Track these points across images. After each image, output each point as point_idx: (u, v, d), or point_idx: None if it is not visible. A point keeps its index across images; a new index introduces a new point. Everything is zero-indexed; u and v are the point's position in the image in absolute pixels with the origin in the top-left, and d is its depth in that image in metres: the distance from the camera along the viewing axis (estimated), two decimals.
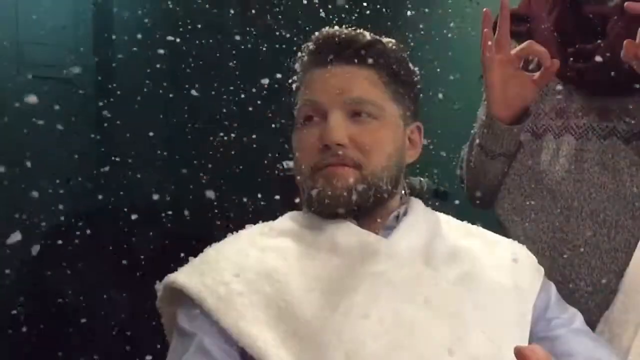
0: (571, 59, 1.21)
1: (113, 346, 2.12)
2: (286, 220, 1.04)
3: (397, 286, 0.92)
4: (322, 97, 0.98)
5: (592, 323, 1.09)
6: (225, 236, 1.03)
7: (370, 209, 0.99)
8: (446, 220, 1.07)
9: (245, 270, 0.94)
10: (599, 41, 1.18)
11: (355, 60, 0.99)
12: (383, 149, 0.98)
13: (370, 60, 0.99)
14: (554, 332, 0.99)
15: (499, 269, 1.00)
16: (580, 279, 1.14)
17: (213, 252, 0.99)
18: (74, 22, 2.40)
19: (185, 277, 0.94)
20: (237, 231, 1.04)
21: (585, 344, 0.98)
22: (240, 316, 0.89)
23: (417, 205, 1.05)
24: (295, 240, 0.99)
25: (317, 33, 1.03)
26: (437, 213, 1.08)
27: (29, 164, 2.19)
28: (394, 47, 1.03)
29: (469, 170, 1.30)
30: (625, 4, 1.07)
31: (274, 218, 1.06)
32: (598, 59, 1.16)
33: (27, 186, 2.14)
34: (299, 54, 1.05)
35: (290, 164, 1.07)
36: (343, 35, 1.00)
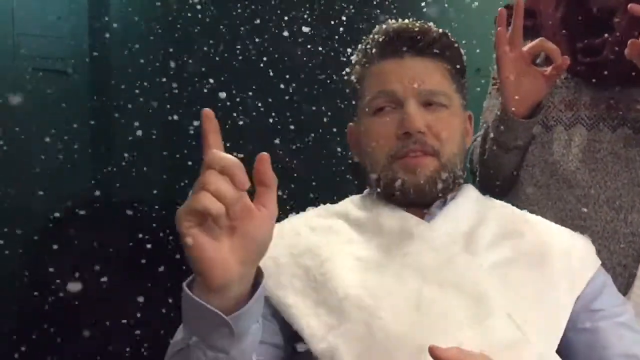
0: (580, 54, 1.26)
1: (114, 343, 2.12)
2: (344, 203, 1.11)
3: (426, 268, 0.97)
4: (398, 88, 1.02)
5: None
6: None
7: (445, 194, 1.04)
8: (502, 207, 1.10)
9: (293, 246, 1.02)
10: (606, 35, 1.23)
11: (428, 53, 1.04)
12: (455, 137, 1.04)
13: (440, 53, 1.04)
14: (596, 324, 1.01)
15: (548, 257, 1.02)
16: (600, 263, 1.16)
17: None
18: (70, 13, 2.38)
19: None
20: None
21: (624, 338, 1.00)
22: (280, 285, 0.98)
23: (467, 191, 1.08)
24: (345, 221, 1.06)
25: (383, 26, 1.07)
26: (493, 200, 1.12)
27: (24, 155, 2.18)
28: (454, 39, 1.08)
29: (483, 163, 1.33)
30: (629, 6, 1.10)
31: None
32: (607, 53, 1.22)
33: (22, 177, 2.14)
34: (360, 46, 1.08)
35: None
36: (416, 28, 1.04)
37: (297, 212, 1.12)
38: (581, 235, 1.10)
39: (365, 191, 1.12)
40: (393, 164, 1.02)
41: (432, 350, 0.80)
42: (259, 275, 0.80)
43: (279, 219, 1.07)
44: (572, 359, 0.99)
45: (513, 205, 1.28)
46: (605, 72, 1.24)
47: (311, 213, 1.10)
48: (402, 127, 1.01)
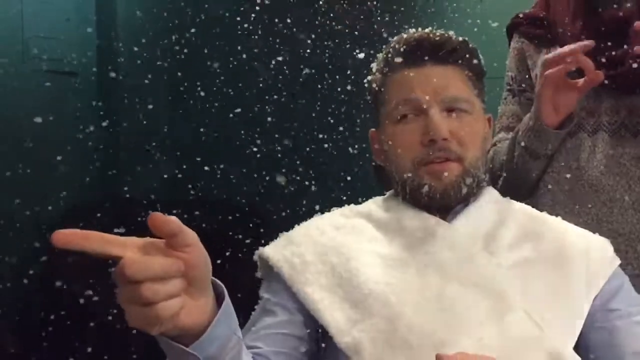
0: (603, 67, 1.29)
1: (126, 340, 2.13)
2: (367, 204, 1.15)
3: (447, 266, 1.01)
4: (420, 96, 1.05)
5: None
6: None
7: (469, 197, 1.08)
8: (522, 209, 1.14)
9: (318, 244, 1.06)
10: (625, 47, 1.28)
11: (449, 60, 1.06)
12: (477, 141, 1.07)
13: (461, 60, 1.07)
14: (612, 323, 1.03)
15: (567, 258, 1.05)
16: (627, 263, 1.24)
17: (298, 229, 1.11)
18: (78, 15, 2.40)
19: (271, 249, 1.07)
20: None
21: (638, 336, 1.02)
22: (307, 282, 1.02)
23: (488, 193, 1.12)
24: (368, 221, 1.10)
25: (404, 35, 1.09)
26: (513, 202, 1.15)
27: (33, 156, 2.20)
28: (473, 46, 1.11)
29: (510, 169, 1.39)
30: (636, 23, 1.14)
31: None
32: (629, 65, 1.27)
33: (30, 178, 2.16)
34: (381, 55, 1.12)
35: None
36: (437, 38, 1.07)
37: (322, 212, 1.15)
38: (599, 237, 1.12)
39: (388, 193, 1.15)
40: (419, 170, 1.05)
41: (438, 358, 0.83)
42: (219, 292, 0.81)
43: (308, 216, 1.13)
44: (589, 356, 1.01)
45: (539, 209, 1.33)
46: (627, 82, 1.29)
47: (336, 213, 1.13)
48: (426, 134, 1.04)
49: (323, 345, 1.03)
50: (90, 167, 2.45)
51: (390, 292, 0.99)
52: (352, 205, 1.15)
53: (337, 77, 2.25)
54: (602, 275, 1.06)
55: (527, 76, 1.47)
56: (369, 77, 1.13)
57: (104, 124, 2.51)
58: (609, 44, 1.30)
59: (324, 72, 2.34)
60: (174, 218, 0.71)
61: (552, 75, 1.26)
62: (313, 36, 2.25)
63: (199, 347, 0.77)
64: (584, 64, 1.24)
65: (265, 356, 0.97)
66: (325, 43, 2.28)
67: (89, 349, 2.03)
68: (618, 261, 1.09)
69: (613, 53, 1.30)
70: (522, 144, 1.34)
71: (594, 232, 1.22)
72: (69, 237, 0.67)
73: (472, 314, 0.97)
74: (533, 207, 1.35)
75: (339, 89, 2.08)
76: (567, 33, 1.36)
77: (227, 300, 0.81)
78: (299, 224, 1.12)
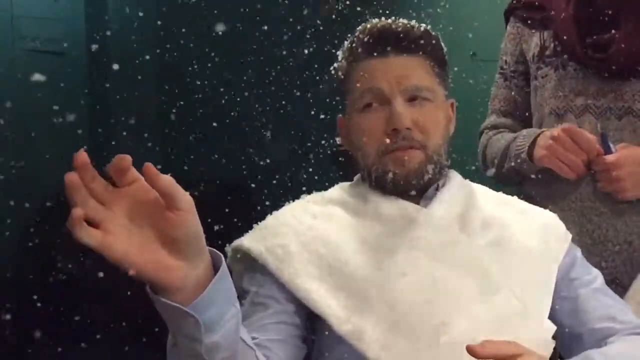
0: (590, 49, 1.34)
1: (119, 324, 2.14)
2: (336, 191, 1.16)
3: (433, 249, 1.04)
4: (384, 85, 1.07)
5: (620, 277, 1.29)
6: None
7: (432, 184, 1.10)
8: (482, 191, 1.18)
9: (300, 234, 1.07)
10: (613, 31, 1.32)
11: (412, 50, 1.08)
12: (439, 129, 1.09)
13: (423, 50, 1.09)
14: (575, 292, 1.11)
15: (529, 234, 1.11)
16: (608, 240, 1.30)
17: (272, 219, 1.10)
18: None
19: (250, 241, 1.07)
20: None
21: (601, 302, 1.11)
22: (296, 273, 1.03)
23: (454, 177, 1.15)
24: (343, 208, 1.11)
25: (368, 25, 1.10)
26: (473, 184, 1.18)
27: (21, 136, 2.19)
28: (435, 34, 1.12)
29: (501, 173, 1.46)
30: None
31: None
32: (614, 49, 1.31)
33: (18, 158, 2.15)
34: (346, 44, 1.13)
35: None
36: (400, 28, 1.08)
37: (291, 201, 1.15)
38: (552, 213, 1.18)
39: (355, 178, 1.17)
40: (383, 159, 1.07)
41: (470, 349, 0.86)
42: (217, 261, 0.82)
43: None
44: (557, 323, 1.07)
45: (527, 189, 1.42)
46: (614, 65, 1.33)
47: (307, 200, 1.14)
48: (390, 124, 1.06)
49: (313, 337, 1.05)
50: (78, 147, 2.44)
51: (383, 278, 1.01)
52: (321, 192, 1.16)
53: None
54: (561, 248, 1.13)
55: (517, 62, 1.51)
56: (335, 65, 1.14)
57: (92, 103, 2.50)
58: (598, 28, 1.34)
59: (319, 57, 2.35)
60: (168, 177, 0.74)
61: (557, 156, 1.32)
62: (311, 20, 2.25)
63: (196, 307, 0.78)
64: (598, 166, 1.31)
65: (264, 345, 0.98)
66: (324, 29, 2.28)
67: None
68: (570, 235, 1.16)
69: (602, 37, 1.34)
70: (513, 164, 1.41)
71: (575, 210, 1.31)
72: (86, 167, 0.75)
73: (464, 295, 1.01)
74: (520, 185, 1.44)
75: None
76: (560, 16, 1.39)
77: (224, 267, 0.81)
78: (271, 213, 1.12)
